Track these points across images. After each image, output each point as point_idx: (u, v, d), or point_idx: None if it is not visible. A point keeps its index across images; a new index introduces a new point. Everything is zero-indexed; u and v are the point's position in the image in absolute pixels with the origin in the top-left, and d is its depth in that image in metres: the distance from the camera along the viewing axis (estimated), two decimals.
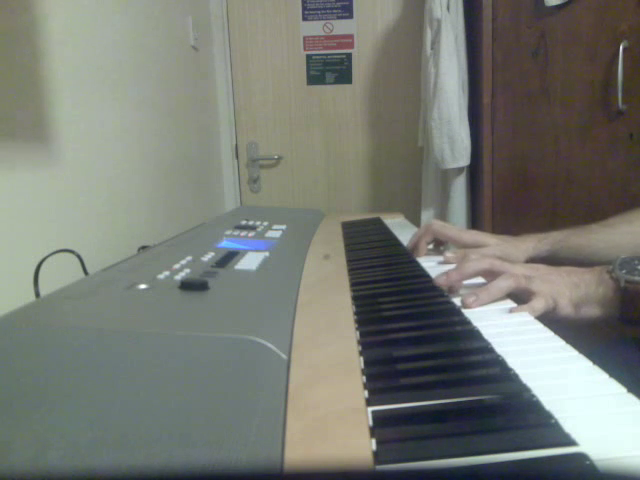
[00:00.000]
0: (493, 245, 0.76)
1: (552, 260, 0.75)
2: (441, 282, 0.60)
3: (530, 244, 0.76)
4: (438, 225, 0.82)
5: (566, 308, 0.56)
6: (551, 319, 0.56)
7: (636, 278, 0.52)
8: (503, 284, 0.56)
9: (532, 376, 0.36)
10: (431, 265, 0.72)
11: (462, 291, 0.60)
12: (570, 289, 0.57)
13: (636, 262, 0.54)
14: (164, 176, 1.33)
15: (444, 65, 1.57)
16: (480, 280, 0.62)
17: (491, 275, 0.60)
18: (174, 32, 1.48)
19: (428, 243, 0.83)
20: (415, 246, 0.83)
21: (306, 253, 0.81)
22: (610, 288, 0.54)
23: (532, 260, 0.75)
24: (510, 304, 0.56)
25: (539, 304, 0.54)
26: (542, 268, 0.60)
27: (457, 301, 0.56)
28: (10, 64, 0.73)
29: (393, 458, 0.28)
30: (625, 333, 0.68)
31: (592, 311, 0.56)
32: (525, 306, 0.54)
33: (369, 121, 2.00)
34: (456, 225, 1.61)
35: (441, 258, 0.77)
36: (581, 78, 1.33)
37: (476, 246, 0.76)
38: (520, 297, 0.58)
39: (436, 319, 0.51)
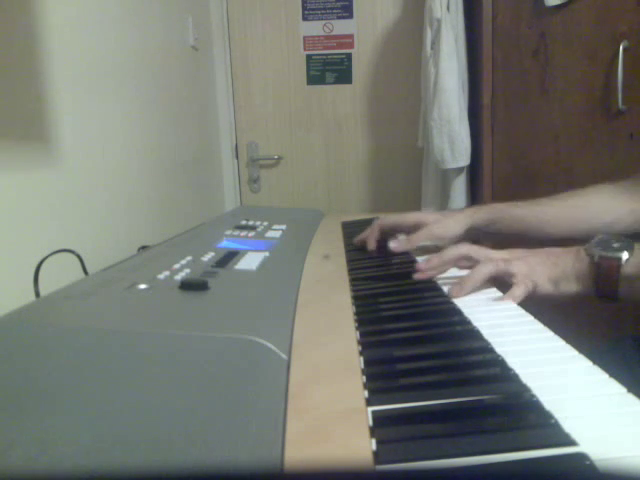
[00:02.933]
0: (432, 220, 0.76)
1: (491, 230, 0.76)
2: (422, 267, 0.63)
3: (467, 213, 0.76)
4: (382, 219, 0.83)
5: (545, 285, 0.57)
6: (533, 300, 0.57)
7: (609, 254, 0.54)
8: (484, 269, 0.58)
9: (532, 376, 0.36)
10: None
11: (443, 283, 0.62)
12: (549, 267, 0.58)
13: (612, 241, 0.55)
14: (164, 176, 1.33)
15: (444, 65, 1.57)
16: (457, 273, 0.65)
17: (469, 261, 0.63)
18: (174, 32, 1.48)
19: (377, 239, 0.83)
20: (364, 242, 0.83)
21: (306, 253, 0.81)
22: (585, 264, 0.56)
23: (471, 230, 0.76)
24: (499, 293, 0.58)
25: (519, 291, 0.56)
26: (519, 251, 0.61)
27: (457, 302, 0.56)
28: (10, 64, 0.73)
29: (393, 458, 0.28)
30: (601, 307, 0.69)
31: (570, 286, 0.57)
32: (506, 295, 0.56)
33: (369, 121, 2.00)
34: None
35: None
36: (581, 78, 1.33)
37: (418, 224, 0.77)
38: (503, 284, 0.59)
39: (436, 319, 0.51)
